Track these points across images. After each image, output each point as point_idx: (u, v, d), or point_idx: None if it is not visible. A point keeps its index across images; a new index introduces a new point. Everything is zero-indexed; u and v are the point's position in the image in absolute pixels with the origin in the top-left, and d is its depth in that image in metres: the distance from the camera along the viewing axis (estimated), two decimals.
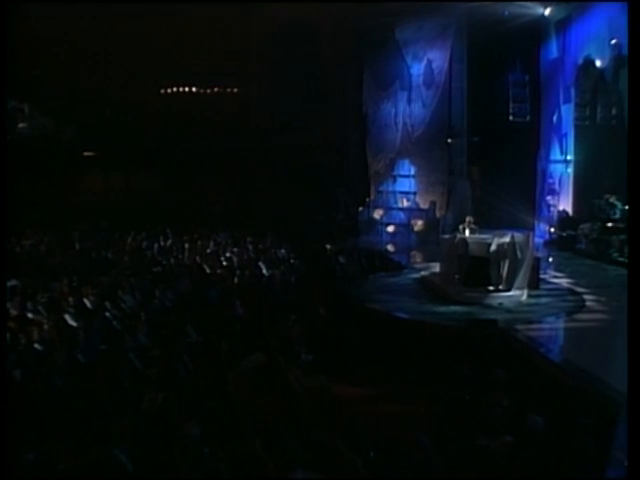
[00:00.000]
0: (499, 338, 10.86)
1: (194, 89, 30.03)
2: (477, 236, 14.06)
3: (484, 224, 19.68)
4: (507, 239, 13.30)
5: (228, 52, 26.99)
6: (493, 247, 13.21)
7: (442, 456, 6.83)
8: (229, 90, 29.80)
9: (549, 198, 22.11)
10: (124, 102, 27.75)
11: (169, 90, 29.85)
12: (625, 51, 18.56)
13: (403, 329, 11.99)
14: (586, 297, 13.72)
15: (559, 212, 21.36)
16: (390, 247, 22.18)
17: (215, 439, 6.99)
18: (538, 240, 20.73)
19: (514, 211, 21.81)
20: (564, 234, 20.27)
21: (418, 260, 19.98)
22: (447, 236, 15.40)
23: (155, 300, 13.66)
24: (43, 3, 23.86)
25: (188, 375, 9.35)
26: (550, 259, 18.82)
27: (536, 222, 22.28)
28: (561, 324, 12.34)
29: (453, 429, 7.76)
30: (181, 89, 29.95)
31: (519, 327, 11.50)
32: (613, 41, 18.91)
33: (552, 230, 21.15)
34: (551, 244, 20.69)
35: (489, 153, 23.85)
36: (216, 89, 29.94)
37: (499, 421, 7.46)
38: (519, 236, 13.66)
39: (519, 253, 13.10)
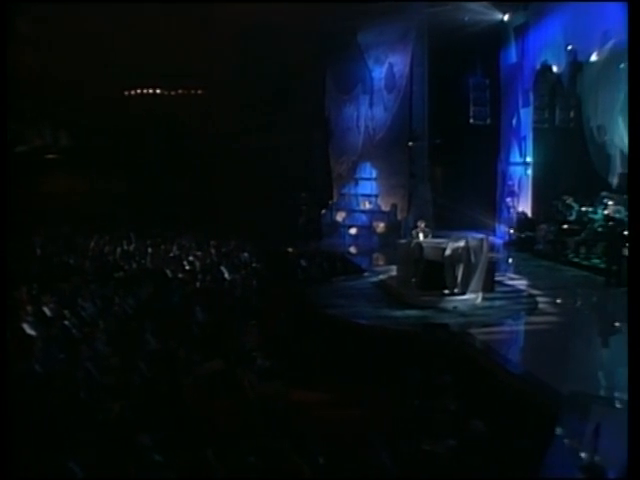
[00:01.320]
0: (451, 342, 11.07)
1: (158, 91, 29.92)
2: (432, 240, 14.29)
3: (445, 226, 20.06)
4: (462, 243, 13.51)
5: (192, 54, 26.93)
6: (448, 251, 13.41)
7: (392, 460, 6.98)
8: (192, 92, 29.75)
9: (509, 200, 22.48)
10: (87, 104, 27.55)
11: (132, 92, 29.68)
12: (580, 57, 19.03)
13: (359, 334, 12.11)
14: (540, 299, 13.98)
15: (518, 213, 21.72)
16: (352, 250, 22.34)
17: (167, 447, 7.07)
18: (498, 241, 21.14)
19: (475, 213, 22.14)
20: (523, 235, 20.63)
21: (379, 263, 20.16)
22: (404, 240, 15.60)
23: (115, 307, 13.63)
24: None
25: (145, 383, 9.40)
26: (510, 260, 19.21)
27: (496, 223, 22.69)
28: (513, 327, 12.60)
29: (401, 433, 7.92)
30: (144, 91, 29.81)
31: (472, 331, 11.72)
32: (569, 47, 19.34)
33: (512, 231, 21.52)
34: (511, 245, 21.06)
35: (450, 156, 24.23)
36: (180, 91, 29.87)
37: (446, 425, 7.65)
38: (473, 240, 13.89)
39: (473, 257, 13.32)
